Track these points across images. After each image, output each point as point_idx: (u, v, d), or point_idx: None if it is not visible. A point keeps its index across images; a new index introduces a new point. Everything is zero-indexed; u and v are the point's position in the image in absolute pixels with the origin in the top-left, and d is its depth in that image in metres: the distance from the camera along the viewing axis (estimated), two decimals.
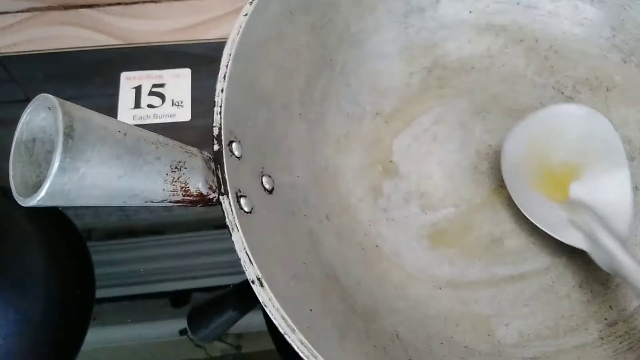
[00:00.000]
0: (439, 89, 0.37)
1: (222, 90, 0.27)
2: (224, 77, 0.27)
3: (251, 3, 0.29)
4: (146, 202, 0.22)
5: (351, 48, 0.35)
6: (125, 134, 0.21)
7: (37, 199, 0.18)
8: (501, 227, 0.33)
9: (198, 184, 0.24)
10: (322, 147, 0.33)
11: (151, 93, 0.41)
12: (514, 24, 0.37)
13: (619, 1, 0.35)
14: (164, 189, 0.22)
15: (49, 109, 0.20)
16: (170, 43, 0.45)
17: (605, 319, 0.30)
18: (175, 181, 0.23)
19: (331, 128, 0.34)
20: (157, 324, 0.35)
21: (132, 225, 0.39)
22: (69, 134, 0.18)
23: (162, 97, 0.41)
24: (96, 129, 0.20)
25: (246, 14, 0.29)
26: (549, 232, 0.31)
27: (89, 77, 0.42)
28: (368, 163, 0.34)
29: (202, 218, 0.39)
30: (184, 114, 0.40)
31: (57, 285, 0.37)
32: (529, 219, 0.32)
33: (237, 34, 0.28)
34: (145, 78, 0.41)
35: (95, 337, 0.34)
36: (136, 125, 0.39)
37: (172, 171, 0.22)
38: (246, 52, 0.28)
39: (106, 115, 0.21)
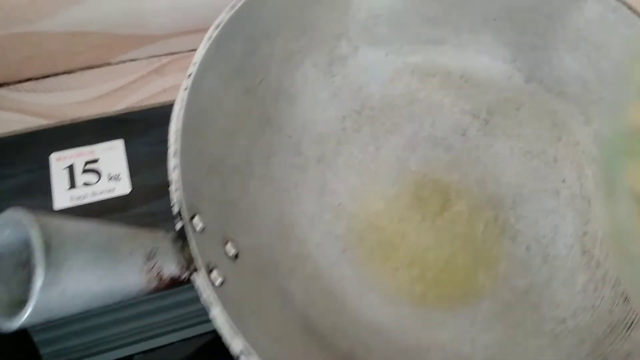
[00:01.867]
0: (371, 128, 0.39)
1: (174, 168, 0.27)
2: (174, 153, 0.28)
3: (189, 76, 0.30)
4: (122, 298, 0.22)
5: (286, 103, 0.36)
6: (98, 235, 0.21)
7: (22, 321, 0.18)
8: (448, 248, 0.36)
9: (171, 268, 0.24)
10: (275, 201, 0.34)
11: (85, 170, 0.40)
12: (426, 61, 0.40)
13: (514, 29, 0.39)
14: (140, 281, 0.22)
15: (17, 224, 0.19)
16: (97, 116, 0.44)
17: (554, 318, 0.33)
18: (150, 270, 0.23)
19: (280, 181, 0.35)
20: None
21: None
22: (47, 249, 0.18)
23: (97, 173, 0.40)
24: (71, 237, 0.19)
25: (186, 88, 0.29)
26: None
27: (14, 163, 0.40)
28: (319, 209, 0.36)
29: None
30: (123, 187, 0.39)
31: None
32: (472, 238, 0.35)
33: (180, 109, 0.29)
34: (77, 156, 0.40)
35: None
36: (75, 206, 0.39)
37: (146, 262, 0.23)
38: (191, 124, 0.29)
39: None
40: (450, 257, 0.36)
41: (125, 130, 0.43)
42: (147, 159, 0.41)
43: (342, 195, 0.37)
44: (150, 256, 0.23)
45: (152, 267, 0.23)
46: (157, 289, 0.24)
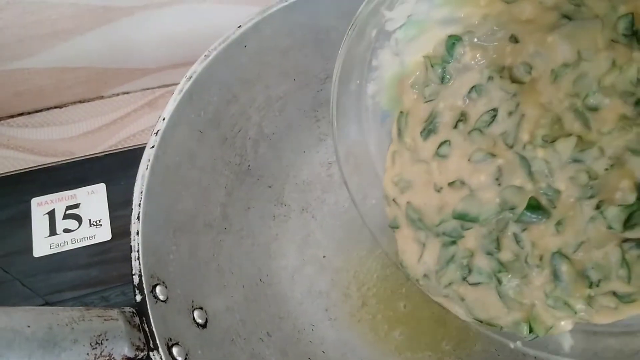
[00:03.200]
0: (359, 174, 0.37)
1: (137, 233, 0.26)
2: (138, 217, 0.26)
3: (156, 134, 0.28)
4: None
5: (267, 150, 0.35)
6: (36, 325, 0.19)
7: None
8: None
9: (123, 350, 0.22)
10: (253, 256, 0.33)
11: (66, 216, 0.39)
12: None
13: None
14: None
15: None
16: (80, 158, 0.43)
17: None
18: (99, 357, 0.21)
19: (259, 234, 0.33)
20: None
21: None
22: None
23: (78, 218, 0.39)
24: (2, 334, 0.18)
25: (153, 146, 0.28)
26: None
27: None
28: (302, 262, 0.34)
29: None
30: (103, 234, 0.38)
31: None
32: None
33: (146, 168, 0.27)
34: (58, 201, 0.39)
35: None
36: (55, 253, 0.37)
37: (94, 348, 0.21)
38: (158, 183, 0.28)
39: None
40: (442, 313, 0.33)
41: (107, 172, 0.41)
42: (129, 204, 0.39)
43: (326, 247, 0.35)
44: (99, 341, 0.21)
45: (101, 353, 0.21)
46: None
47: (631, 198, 0.21)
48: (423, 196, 0.26)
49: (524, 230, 0.23)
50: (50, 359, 0.19)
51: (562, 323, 0.25)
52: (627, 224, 0.21)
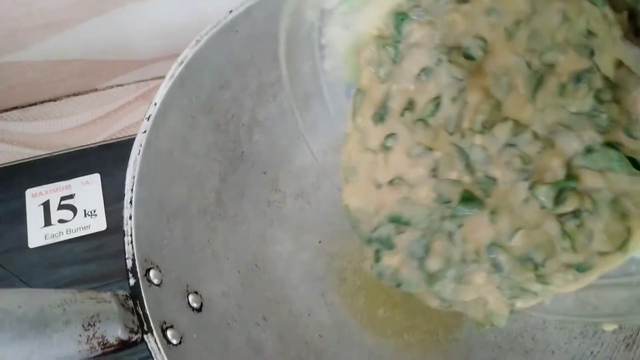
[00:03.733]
0: None
1: (130, 217, 0.26)
2: (130, 201, 0.26)
3: (148, 118, 0.28)
4: None
5: (261, 136, 0.34)
6: (26, 308, 0.19)
7: None
8: None
9: (117, 332, 0.22)
10: (248, 242, 0.33)
11: (61, 207, 0.39)
12: None
13: None
14: (79, 351, 0.21)
15: None
16: (74, 149, 0.43)
17: None
18: (91, 339, 0.21)
19: (254, 220, 0.33)
20: None
21: None
22: None
23: (73, 209, 0.39)
24: None
25: (145, 131, 0.28)
26: None
27: None
28: (297, 248, 0.34)
29: None
30: (98, 224, 0.38)
31: None
32: None
33: (138, 153, 0.27)
34: (53, 191, 0.39)
35: None
36: (50, 244, 0.37)
37: (86, 330, 0.21)
38: (151, 169, 0.28)
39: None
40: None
41: (102, 163, 0.41)
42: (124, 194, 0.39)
43: (322, 232, 0.35)
44: (91, 323, 0.21)
45: (94, 335, 0.21)
46: (105, 354, 0.22)
47: (561, 174, 0.21)
48: (363, 192, 0.25)
49: (460, 226, 0.23)
50: (42, 340, 0.19)
51: (520, 304, 0.24)
52: (558, 199, 0.21)
